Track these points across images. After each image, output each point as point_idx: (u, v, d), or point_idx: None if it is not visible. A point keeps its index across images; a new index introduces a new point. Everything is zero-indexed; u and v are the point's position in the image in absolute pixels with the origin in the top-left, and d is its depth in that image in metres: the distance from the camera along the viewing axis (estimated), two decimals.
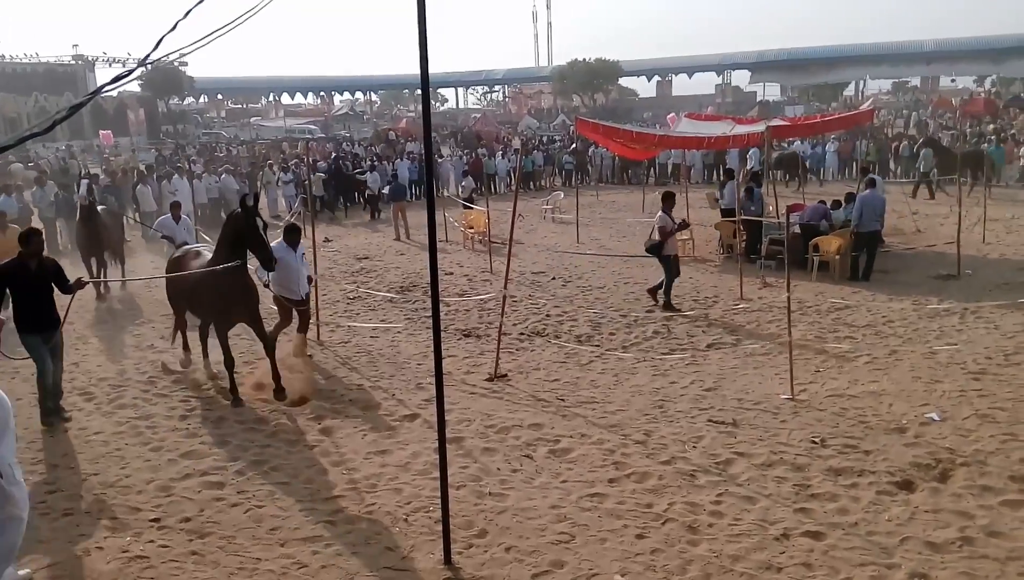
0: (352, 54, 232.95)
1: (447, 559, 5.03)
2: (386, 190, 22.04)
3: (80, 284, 7.45)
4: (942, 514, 5.43)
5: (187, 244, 10.06)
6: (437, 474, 5.12)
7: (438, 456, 5.06)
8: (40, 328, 7.31)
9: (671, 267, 11.37)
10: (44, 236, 8.44)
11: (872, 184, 13.45)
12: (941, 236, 15.81)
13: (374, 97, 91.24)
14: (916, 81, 72.86)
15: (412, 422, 7.40)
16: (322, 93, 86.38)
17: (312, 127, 57.24)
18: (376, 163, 25.46)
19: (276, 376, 7.89)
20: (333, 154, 29.93)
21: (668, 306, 11.31)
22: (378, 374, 8.88)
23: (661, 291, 11.47)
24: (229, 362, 7.98)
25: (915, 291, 12.03)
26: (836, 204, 14.47)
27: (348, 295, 12.94)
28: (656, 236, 11.39)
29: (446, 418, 5.18)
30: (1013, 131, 30.93)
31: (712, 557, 5.02)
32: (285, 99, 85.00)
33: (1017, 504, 5.49)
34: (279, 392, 7.84)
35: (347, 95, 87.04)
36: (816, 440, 6.69)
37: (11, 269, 7.17)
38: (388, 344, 10.14)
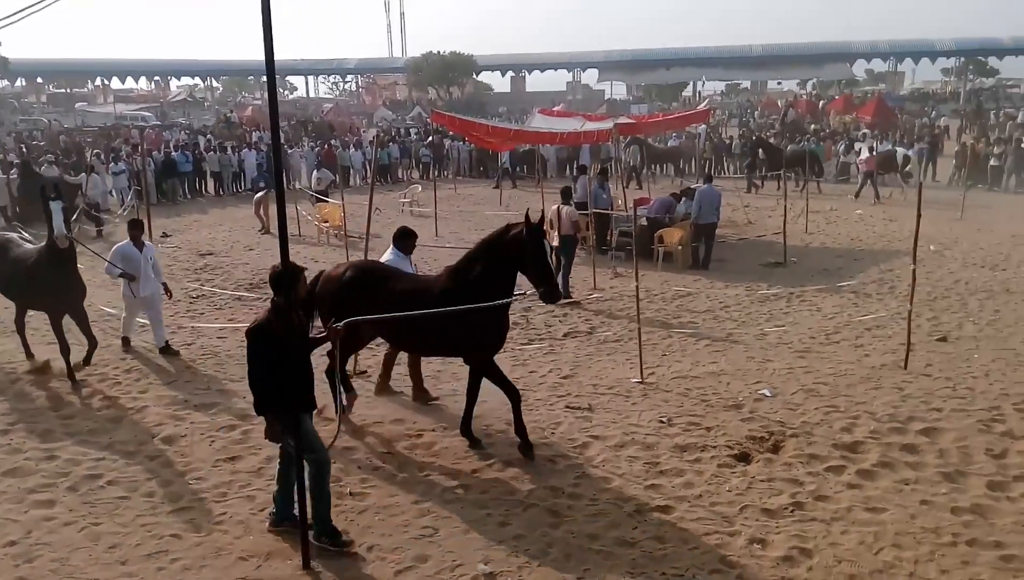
0: (191, 37, 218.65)
1: (306, 564, 4.87)
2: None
3: None
4: (775, 482, 5.91)
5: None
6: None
7: (294, 458, 4.87)
8: None
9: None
10: None
11: (709, 180, 14.44)
12: (769, 227, 17.15)
13: (215, 83, 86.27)
14: (747, 84, 78.52)
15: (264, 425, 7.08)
16: (157, 78, 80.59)
17: (147, 114, 53.23)
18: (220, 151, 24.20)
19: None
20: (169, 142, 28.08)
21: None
22: (226, 376, 8.43)
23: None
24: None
25: (747, 278, 12.99)
26: (676, 198, 15.35)
27: (191, 294, 12.19)
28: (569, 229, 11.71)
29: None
30: (830, 130, 34.08)
31: (571, 538, 5.18)
32: (115, 83, 78.48)
33: (840, 469, 6.08)
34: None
35: (185, 80, 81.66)
36: (663, 420, 7.07)
37: None
38: (238, 345, 9.63)
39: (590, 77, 77.82)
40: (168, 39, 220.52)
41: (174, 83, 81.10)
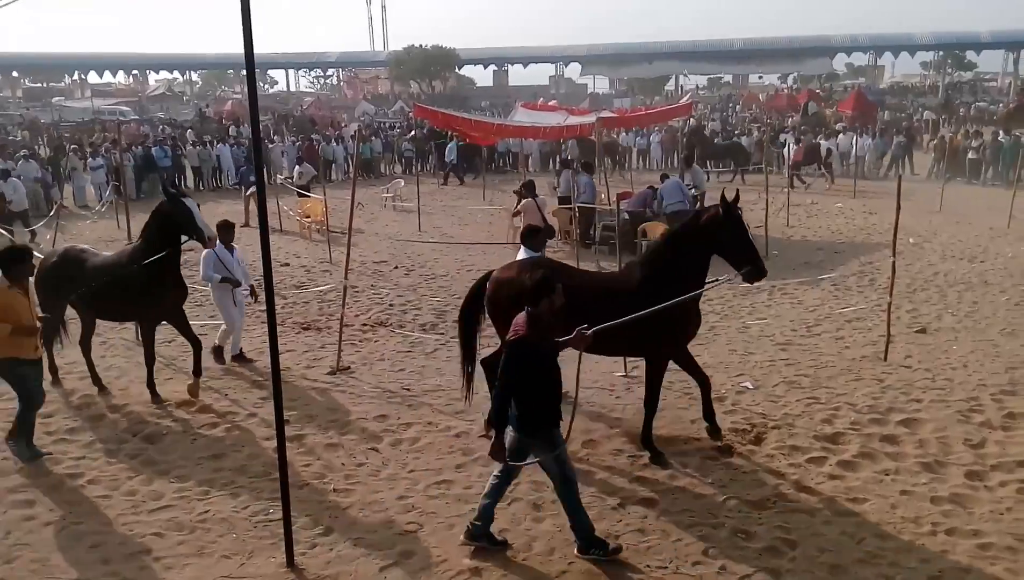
0: (169, 30, 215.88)
1: (289, 561, 4.85)
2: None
3: None
4: (758, 474, 5.96)
5: None
6: (276, 474, 4.91)
7: (277, 456, 4.85)
8: None
9: None
10: None
11: (666, 176, 14.84)
12: (751, 220, 17.19)
13: (195, 77, 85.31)
14: (729, 77, 78.85)
15: (248, 422, 7.05)
16: (135, 72, 79.54)
17: (125, 108, 52.52)
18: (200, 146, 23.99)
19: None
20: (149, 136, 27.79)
21: None
22: (208, 374, 8.33)
23: None
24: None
25: (729, 271, 13.00)
26: (653, 190, 15.48)
27: None
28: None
29: (285, 415, 4.98)
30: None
31: (556, 531, 5.20)
32: (93, 78, 77.36)
33: (821, 460, 6.14)
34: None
35: (164, 74, 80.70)
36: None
37: None
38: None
39: (573, 71, 77.82)
40: (146, 32, 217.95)
41: (152, 77, 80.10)
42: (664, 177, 15.27)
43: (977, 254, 13.72)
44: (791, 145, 24.08)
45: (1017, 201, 15.73)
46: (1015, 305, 10.48)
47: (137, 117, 46.88)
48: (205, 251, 8.15)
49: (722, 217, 5.93)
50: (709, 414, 6.51)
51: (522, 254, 7.40)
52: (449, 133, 24.49)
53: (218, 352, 8.63)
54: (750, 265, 5.95)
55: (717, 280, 6.38)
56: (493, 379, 6.34)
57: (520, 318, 4.68)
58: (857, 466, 6.04)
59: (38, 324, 6.18)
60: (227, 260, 8.39)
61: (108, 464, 6.23)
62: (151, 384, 7.55)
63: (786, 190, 18.82)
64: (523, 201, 11.60)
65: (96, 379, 7.84)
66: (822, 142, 24.52)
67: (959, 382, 7.75)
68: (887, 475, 5.90)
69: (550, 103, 28.56)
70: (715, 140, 27.42)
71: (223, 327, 8.68)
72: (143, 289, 7.19)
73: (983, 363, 8.30)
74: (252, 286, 8.71)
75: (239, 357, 8.67)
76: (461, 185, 24.84)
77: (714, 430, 6.49)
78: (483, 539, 4.99)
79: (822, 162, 23.33)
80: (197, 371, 7.54)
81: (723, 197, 5.97)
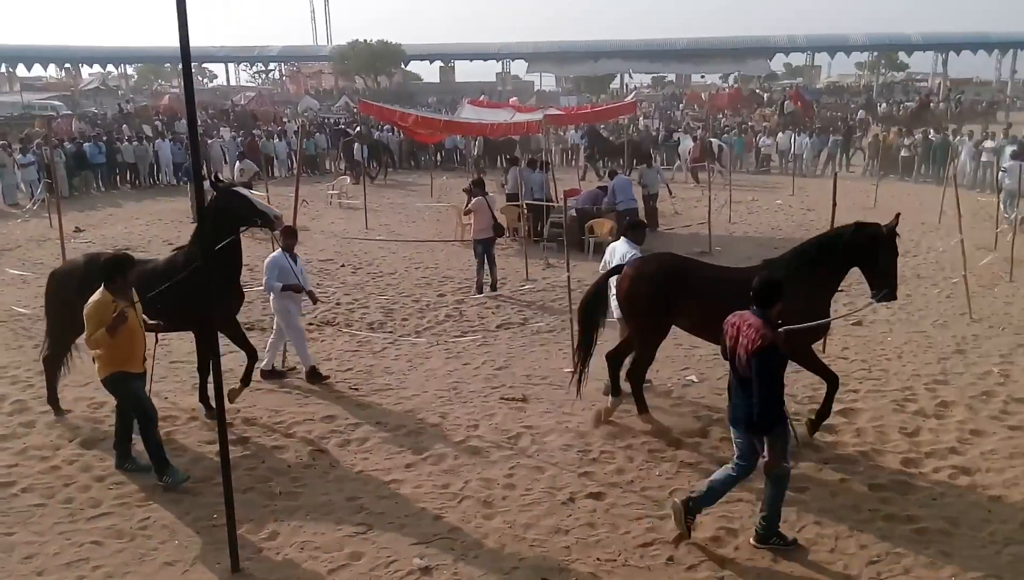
0: (102, 22, 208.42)
1: (235, 567, 4.75)
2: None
3: None
4: (703, 465, 6.08)
5: None
6: (220, 479, 4.80)
7: (220, 459, 4.73)
8: None
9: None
10: None
11: (615, 173, 15.15)
12: (695, 217, 17.56)
13: (130, 71, 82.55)
14: (672, 76, 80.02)
15: (190, 425, 6.87)
16: (67, 65, 76.54)
17: (56, 103, 50.49)
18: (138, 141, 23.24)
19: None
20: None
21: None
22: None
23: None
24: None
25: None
26: (603, 190, 15.62)
27: None
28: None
29: (228, 418, 4.87)
30: (752, 123, 35.10)
31: (506, 528, 5.21)
32: (21, 71, 74.19)
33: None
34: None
35: (97, 68, 77.84)
36: (596, 408, 7.15)
37: None
38: (157, 343, 9.28)
39: (519, 68, 77.92)
40: (78, 24, 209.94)
41: (85, 71, 77.24)
42: (613, 173, 15.41)
43: (910, 249, 14.23)
44: (684, 143, 25.50)
45: (947, 197, 16.38)
46: (946, 297, 10.90)
47: (70, 112, 45.10)
48: (270, 258, 7.74)
49: (884, 235, 6.06)
50: (824, 414, 6.41)
51: (624, 247, 7.41)
52: (358, 131, 24.22)
53: (313, 373, 7.95)
54: (889, 288, 6.10)
55: (870, 303, 6.46)
56: (617, 372, 6.59)
57: (755, 321, 4.68)
58: (798, 455, 6.20)
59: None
60: (292, 268, 7.81)
61: (42, 474, 5.99)
62: (204, 397, 7.02)
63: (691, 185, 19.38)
64: (474, 199, 11.56)
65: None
66: (713, 141, 25.75)
67: (894, 373, 8.03)
68: (827, 464, 6.08)
69: (510, 100, 28.42)
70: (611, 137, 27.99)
71: (271, 340, 8.13)
72: (204, 293, 6.56)
73: (916, 354, 8.62)
74: (311, 291, 8.10)
75: (313, 373, 7.93)
76: (372, 182, 23.80)
77: (815, 426, 6.42)
78: (776, 541, 4.97)
79: (715, 159, 24.47)
80: (246, 380, 7.15)
81: (897, 217, 6.19)
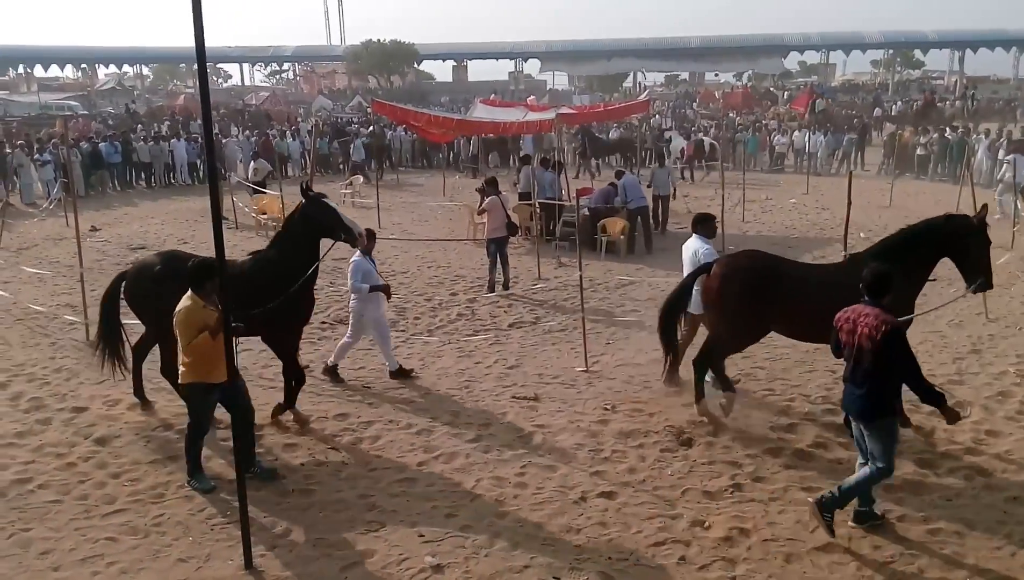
0: (119, 23, 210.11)
1: (248, 564, 4.78)
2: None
3: None
4: (716, 465, 6.05)
5: None
6: (234, 476, 4.83)
7: (234, 456, 4.77)
8: None
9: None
10: None
11: (622, 173, 15.20)
12: None
13: (146, 71, 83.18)
14: (685, 75, 79.74)
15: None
16: (84, 65, 77.23)
17: (73, 103, 50.98)
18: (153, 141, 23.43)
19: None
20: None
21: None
22: (160, 375, 8.16)
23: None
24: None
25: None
26: (614, 187, 15.59)
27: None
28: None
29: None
30: (766, 121, 34.93)
31: (518, 527, 5.21)
32: (39, 71, 74.91)
33: (777, 451, 6.26)
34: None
35: (113, 68, 78.50)
36: (608, 407, 7.16)
37: None
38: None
39: (532, 67, 77.89)
40: (95, 25, 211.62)
41: (101, 71, 77.91)
42: (620, 173, 15.36)
43: None
44: (676, 141, 26.38)
45: (963, 196, 16.22)
46: (962, 297, 10.77)
47: (86, 112, 45.52)
48: (354, 260, 7.77)
49: (976, 225, 6.07)
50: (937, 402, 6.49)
51: (696, 242, 7.41)
52: (356, 129, 24.30)
53: (333, 371, 8.03)
54: (983, 278, 6.16)
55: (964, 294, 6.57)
56: (704, 370, 6.65)
57: (872, 310, 4.79)
58: (811, 456, 6.18)
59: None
60: (372, 270, 7.95)
61: (58, 470, 6.05)
62: (292, 403, 6.90)
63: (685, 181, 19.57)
64: (488, 198, 11.57)
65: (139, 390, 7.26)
66: (705, 139, 26.29)
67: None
68: (840, 464, 6.03)
69: (528, 99, 28.42)
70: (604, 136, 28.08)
71: (344, 341, 8.12)
72: (286, 299, 6.46)
73: (932, 354, 8.54)
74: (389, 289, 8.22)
75: (400, 372, 8.02)
76: (367, 183, 23.83)
77: (905, 422, 6.39)
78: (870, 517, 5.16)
79: (704, 156, 25.23)
80: (299, 382, 6.97)
81: (984, 208, 6.22)
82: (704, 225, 7.50)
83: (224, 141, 25.42)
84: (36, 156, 21.17)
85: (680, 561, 4.85)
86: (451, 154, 28.67)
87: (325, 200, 6.76)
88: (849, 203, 8.52)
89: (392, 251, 14.64)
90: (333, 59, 77.59)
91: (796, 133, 28.05)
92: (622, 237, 14.08)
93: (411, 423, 6.89)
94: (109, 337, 7.10)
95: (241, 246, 14.90)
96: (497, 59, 76.10)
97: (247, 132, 28.53)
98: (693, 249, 7.41)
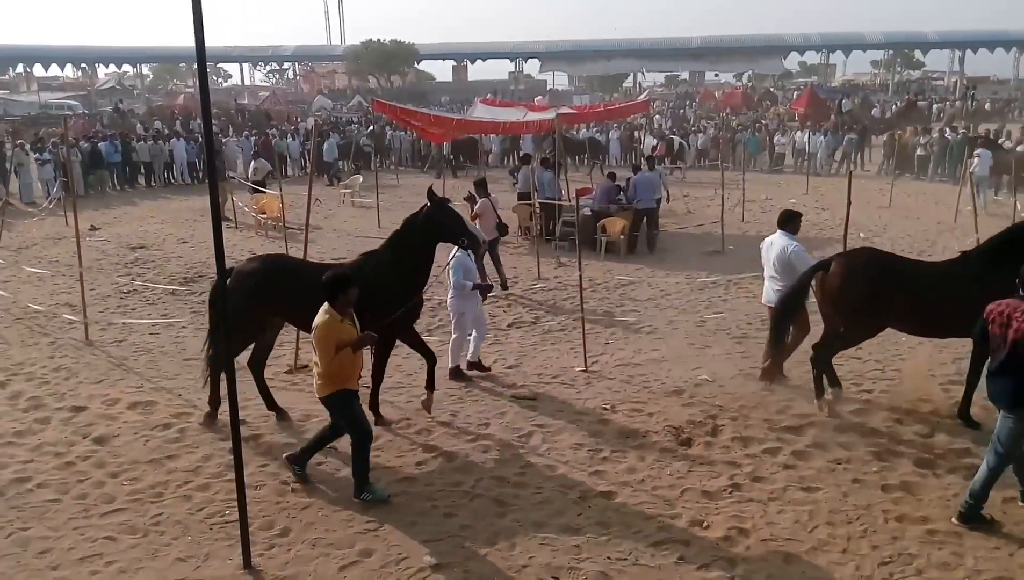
0: (119, 22, 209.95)
1: (247, 563, 4.78)
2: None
3: None
4: (715, 465, 6.05)
5: None
6: (232, 475, 4.83)
7: (233, 456, 4.77)
8: None
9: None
10: None
11: (639, 168, 15.01)
12: (708, 216, 17.50)
13: (145, 70, 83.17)
14: (686, 75, 79.76)
15: (202, 423, 6.91)
16: (84, 65, 77.25)
17: (73, 102, 51.03)
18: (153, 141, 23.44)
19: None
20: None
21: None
22: (160, 374, 8.18)
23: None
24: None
25: (687, 266, 13.24)
26: (613, 180, 15.56)
27: (121, 289, 11.77)
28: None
29: (241, 415, 4.90)
30: (766, 122, 34.93)
31: (517, 527, 5.21)
32: (39, 71, 74.91)
33: (775, 451, 6.26)
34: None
35: (113, 67, 78.48)
36: (607, 407, 7.16)
37: None
38: (172, 341, 9.38)
39: (532, 67, 77.92)
40: (94, 24, 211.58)
41: (101, 70, 77.90)
42: (637, 169, 15.20)
43: (925, 248, 14.10)
44: (649, 142, 27.02)
45: (963, 196, 16.23)
46: None
47: (86, 111, 45.52)
48: (457, 257, 7.69)
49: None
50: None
51: (784, 239, 7.51)
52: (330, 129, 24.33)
53: (458, 371, 8.02)
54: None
55: None
56: (824, 365, 6.87)
57: (1014, 302, 4.93)
58: (810, 456, 6.18)
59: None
60: (474, 267, 8.08)
61: (57, 470, 6.04)
62: (376, 405, 6.92)
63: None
64: (479, 201, 11.55)
65: (271, 403, 7.08)
66: (675, 139, 26.82)
67: (908, 373, 7.95)
68: (839, 464, 6.03)
69: (536, 100, 28.44)
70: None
71: (453, 340, 8.12)
72: (399, 299, 6.51)
73: (932, 354, 8.53)
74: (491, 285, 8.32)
75: (478, 365, 8.13)
76: (335, 185, 23.37)
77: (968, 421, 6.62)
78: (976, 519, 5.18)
79: (674, 156, 25.69)
80: (430, 385, 6.94)
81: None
82: (791, 222, 7.63)
83: (224, 141, 25.43)
84: (35, 155, 21.17)
85: (679, 561, 4.85)
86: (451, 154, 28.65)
87: (451, 205, 6.88)
88: (849, 203, 8.52)
89: None
90: (333, 59, 77.64)
91: (798, 133, 28.05)
92: (622, 237, 14.07)
93: (410, 422, 6.89)
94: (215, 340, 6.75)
95: (241, 246, 14.92)
96: (498, 59, 76.11)
97: (246, 132, 28.49)
98: (781, 246, 7.48)
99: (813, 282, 6.90)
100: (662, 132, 30.01)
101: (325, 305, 5.37)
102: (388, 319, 6.25)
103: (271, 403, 7.04)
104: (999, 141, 22.44)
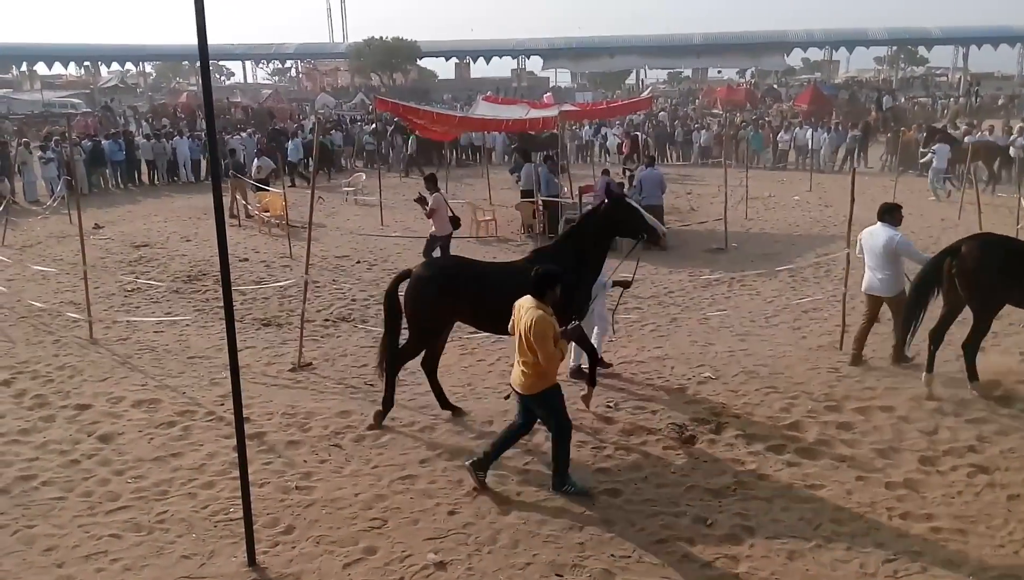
0: (122, 20, 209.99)
1: (251, 560, 4.79)
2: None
3: None
4: (719, 463, 6.05)
5: None
6: (237, 473, 4.84)
7: (237, 453, 4.78)
8: None
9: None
10: None
11: (650, 163, 14.84)
12: (711, 214, 17.48)
13: (148, 68, 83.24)
14: (688, 72, 79.62)
15: (207, 421, 6.93)
16: (87, 63, 77.34)
17: (76, 101, 51.09)
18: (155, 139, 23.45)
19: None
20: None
21: None
22: (164, 372, 8.20)
23: None
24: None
25: (691, 264, 13.23)
26: (620, 185, 15.53)
27: (125, 287, 11.79)
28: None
29: (245, 413, 4.91)
30: (769, 119, 34.84)
31: (521, 524, 5.22)
32: (41, 69, 75.01)
33: (779, 448, 6.25)
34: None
35: (116, 66, 78.55)
36: (610, 404, 7.16)
37: None
38: (175, 339, 9.40)
39: (535, 64, 77.82)
40: (98, 23, 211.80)
41: (104, 69, 77.96)
42: (652, 161, 15.23)
43: (928, 245, 14.04)
44: (613, 141, 28.05)
45: (967, 193, 16.18)
46: None
47: (89, 110, 45.57)
48: None
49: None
50: None
51: (886, 230, 7.69)
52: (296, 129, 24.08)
53: (579, 371, 7.78)
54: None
55: None
56: (975, 353, 7.23)
57: None
58: (814, 453, 6.17)
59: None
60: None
61: (62, 467, 6.06)
62: (447, 405, 6.98)
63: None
64: (432, 197, 11.50)
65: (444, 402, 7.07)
66: (639, 134, 27.44)
67: (911, 369, 7.94)
68: (843, 462, 6.03)
69: (544, 97, 28.35)
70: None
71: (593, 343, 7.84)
72: (579, 295, 6.63)
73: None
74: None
75: (603, 362, 7.89)
76: (304, 186, 23.14)
77: None
78: None
79: (640, 153, 25.55)
80: (592, 381, 6.87)
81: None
82: (891, 214, 7.85)
83: (227, 139, 25.43)
84: (39, 153, 21.21)
85: (683, 559, 4.85)
86: (454, 152, 28.64)
87: (629, 200, 6.97)
88: (852, 200, 8.50)
89: (395, 249, 14.67)
90: (336, 56, 77.63)
91: (798, 130, 27.99)
92: None
93: (414, 421, 6.90)
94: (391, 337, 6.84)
95: (244, 244, 14.94)
96: (500, 56, 76.02)
97: (247, 132, 28.48)
98: (887, 236, 7.69)
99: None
100: (628, 129, 30.10)
101: (531, 301, 5.36)
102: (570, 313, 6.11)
103: (444, 402, 7.03)
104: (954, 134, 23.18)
